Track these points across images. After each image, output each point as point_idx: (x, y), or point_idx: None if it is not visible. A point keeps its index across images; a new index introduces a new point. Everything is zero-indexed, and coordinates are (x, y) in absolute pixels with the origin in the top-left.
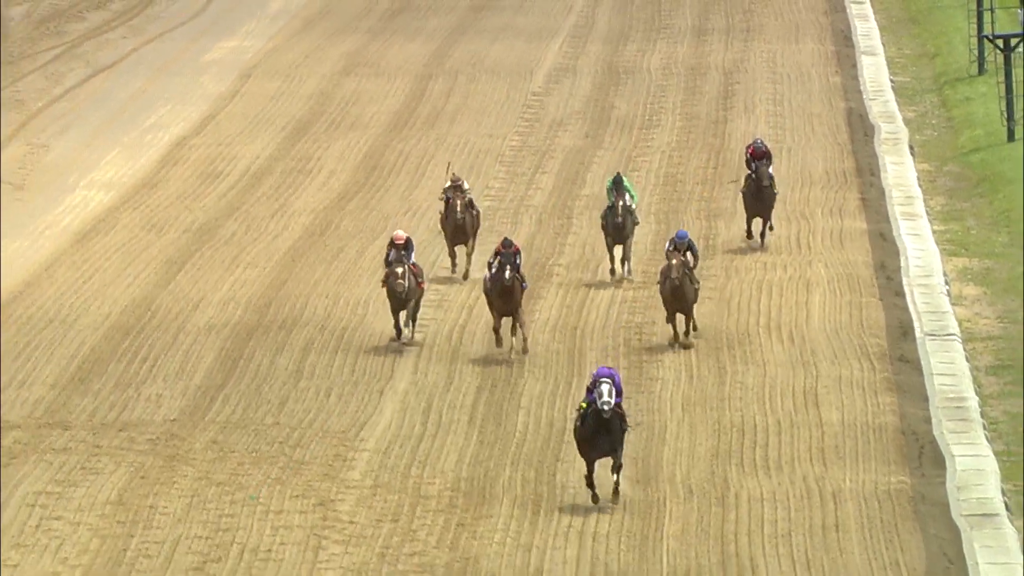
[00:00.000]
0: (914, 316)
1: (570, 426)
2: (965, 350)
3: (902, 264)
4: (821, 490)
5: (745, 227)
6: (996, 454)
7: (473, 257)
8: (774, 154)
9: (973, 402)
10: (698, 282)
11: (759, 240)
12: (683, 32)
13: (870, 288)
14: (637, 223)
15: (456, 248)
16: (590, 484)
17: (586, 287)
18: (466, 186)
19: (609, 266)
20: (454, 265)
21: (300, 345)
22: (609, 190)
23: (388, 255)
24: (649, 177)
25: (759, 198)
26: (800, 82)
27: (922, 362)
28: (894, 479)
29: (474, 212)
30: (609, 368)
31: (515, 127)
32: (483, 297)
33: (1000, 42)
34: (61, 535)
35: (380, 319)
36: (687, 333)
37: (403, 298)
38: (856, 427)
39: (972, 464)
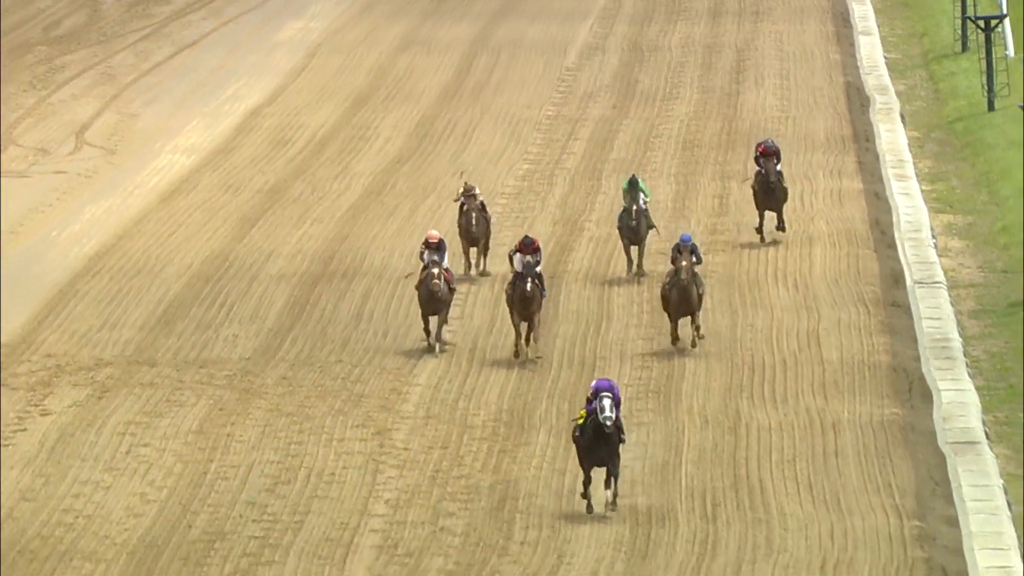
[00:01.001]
0: (905, 266)
1: (599, 364)
2: (950, 296)
3: (894, 220)
4: (822, 420)
5: (757, 224)
6: (977, 388)
7: (488, 256)
8: (781, 123)
9: (957, 342)
10: (703, 286)
11: (781, 227)
12: (700, 14)
13: (866, 241)
14: (652, 226)
15: (470, 248)
16: (585, 494)
17: (614, 240)
18: (477, 191)
19: (626, 264)
20: (468, 265)
21: (360, 292)
22: (625, 192)
23: (422, 253)
24: (669, 143)
25: (768, 195)
26: (804, 59)
27: (912, 307)
28: (887, 411)
29: (487, 217)
30: (608, 380)
31: (551, 98)
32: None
33: (981, 23)
34: (149, 460)
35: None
36: (693, 341)
37: (439, 300)
38: (853, 364)
39: (956, 397)
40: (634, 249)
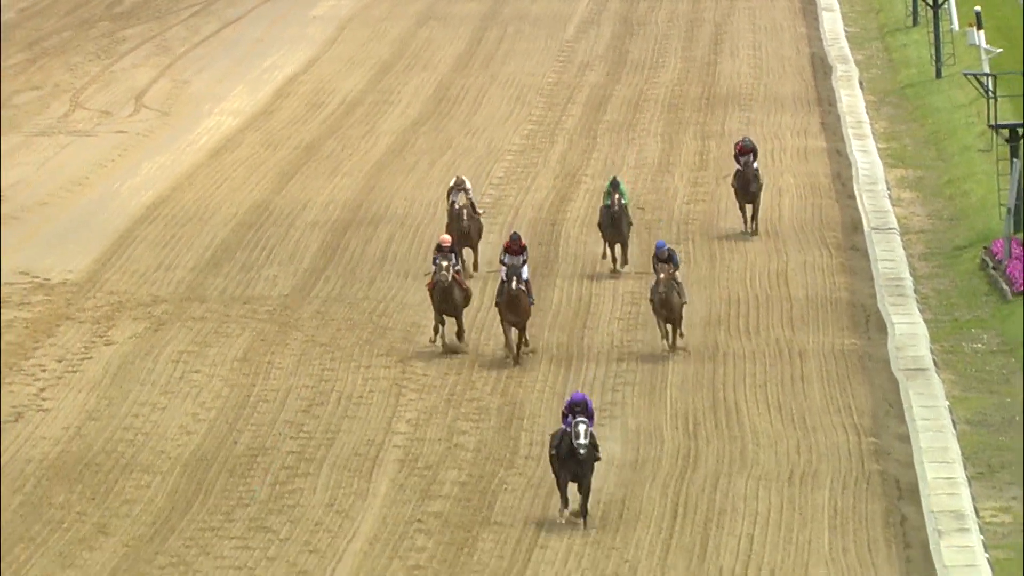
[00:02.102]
0: (862, 214)
1: (595, 300)
2: (902, 240)
3: (853, 174)
4: (790, 350)
5: (742, 217)
6: (926, 321)
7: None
8: (754, 89)
9: (908, 281)
10: (685, 295)
11: (751, 225)
12: None
13: (828, 192)
14: (631, 224)
15: (463, 250)
16: (564, 501)
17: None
18: (468, 185)
19: (610, 262)
20: (463, 264)
21: (384, 237)
22: (606, 192)
23: (435, 259)
24: (656, 106)
25: (747, 189)
26: (774, 32)
27: (868, 250)
28: (846, 341)
29: (477, 216)
30: (583, 393)
31: (551, 67)
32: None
33: (930, 1)
34: (199, 384)
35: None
36: (675, 341)
37: (450, 298)
38: (817, 301)
39: (907, 330)
40: (618, 248)
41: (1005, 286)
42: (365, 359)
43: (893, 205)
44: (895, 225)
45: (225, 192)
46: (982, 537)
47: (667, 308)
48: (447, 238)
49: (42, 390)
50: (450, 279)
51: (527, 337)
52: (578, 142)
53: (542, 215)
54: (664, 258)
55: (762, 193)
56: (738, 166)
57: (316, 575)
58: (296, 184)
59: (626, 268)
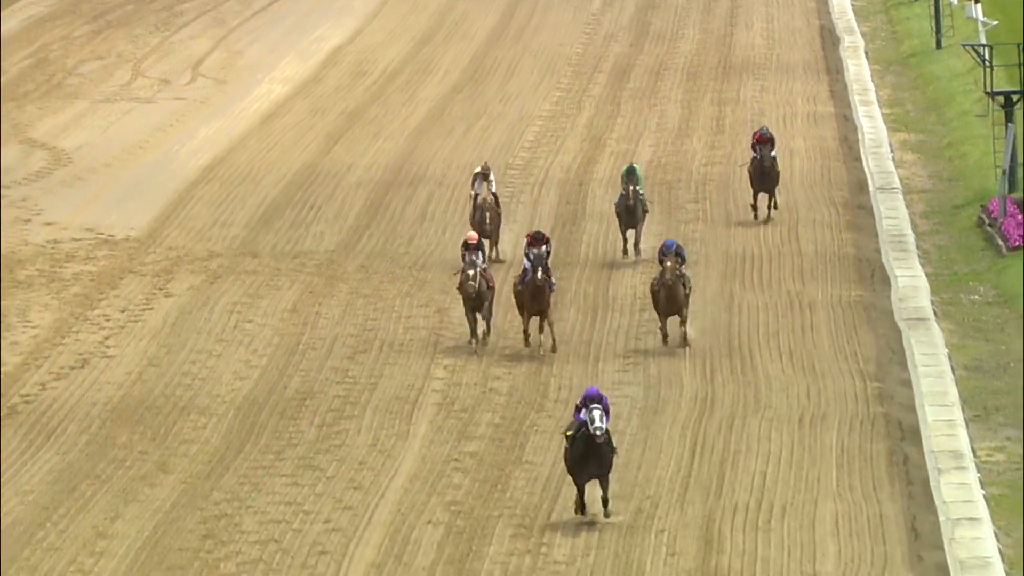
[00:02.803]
0: (868, 175)
1: (620, 256)
2: (905, 199)
3: (859, 137)
4: (800, 301)
5: (752, 202)
6: (927, 275)
7: (499, 247)
8: (767, 58)
9: (911, 237)
10: (690, 286)
11: (766, 213)
12: None
13: (836, 155)
14: (647, 211)
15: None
16: (580, 507)
17: (630, 155)
18: (492, 176)
19: (623, 248)
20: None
21: (424, 196)
22: (623, 177)
23: (463, 255)
24: (676, 75)
25: (763, 178)
26: (785, 6)
27: (873, 208)
28: (853, 293)
29: (499, 212)
30: (597, 388)
31: (579, 38)
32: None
33: None
34: (251, 333)
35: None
36: (683, 335)
37: (477, 300)
38: (825, 255)
39: (910, 282)
40: (631, 233)
41: (1000, 242)
42: (405, 310)
43: (896, 166)
44: (898, 185)
45: (276, 155)
46: (979, 475)
47: (672, 299)
48: (474, 235)
49: (106, 338)
50: (478, 284)
51: (550, 325)
52: (603, 108)
53: (570, 176)
54: (671, 252)
55: (778, 183)
56: (755, 155)
57: (360, 510)
58: (342, 147)
59: (640, 256)
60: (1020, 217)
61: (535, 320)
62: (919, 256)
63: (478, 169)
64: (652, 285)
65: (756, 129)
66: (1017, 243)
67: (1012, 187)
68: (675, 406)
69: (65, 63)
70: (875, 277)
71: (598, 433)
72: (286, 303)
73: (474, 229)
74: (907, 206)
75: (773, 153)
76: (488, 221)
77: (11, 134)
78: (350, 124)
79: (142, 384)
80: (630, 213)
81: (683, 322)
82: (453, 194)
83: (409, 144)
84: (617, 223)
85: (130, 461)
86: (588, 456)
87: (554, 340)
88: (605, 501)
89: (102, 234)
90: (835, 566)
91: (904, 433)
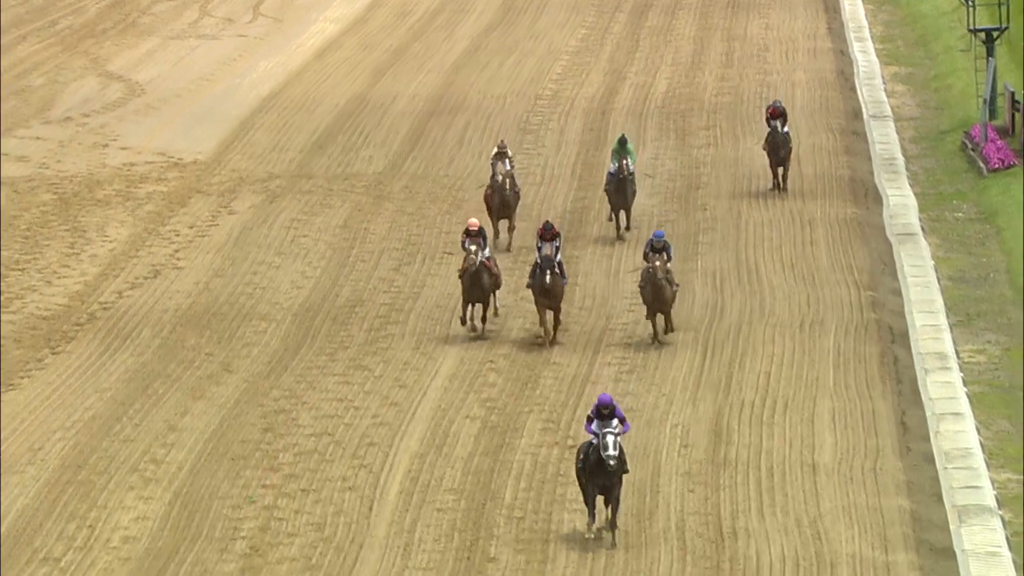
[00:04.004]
0: (862, 104)
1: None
2: (895, 126)
3: (855, 70)
4: (801, 218)
5: (771, 175)
6: (916, 194)
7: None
8: (772, 5)
9: (901, 160)
10: (676, 285)
11: (782, 184)
12: None
13: (834, 86)
14: (635, 191)
15: (500, 223)
16: (591, 517)
17: (648, 85)
18: (510, 153)
19: (615, 227)
20: (497, 234)
21: (461, 124)
22: (614, 152)
23: (463, 242)
24: (689, 13)
25: (777, 151)
26: None
27: (867, 134)
28: (848, 211)
29: (517, 191)
30: (609, 395)
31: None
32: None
33: None
34: (307, 247)
35: (514, 109)
36: (665, 331)
37: (479, 290)
38: (824, 177)
39: (900, 201)
40: (622, 214)
41: (981, 164)
42: (446, 225)
43: (888, 96)
44: (889, 113)
45: (329, 86)
46: (962, 374)
47: (659, 298)
48: (475, 222)
49: (176, 251)
50: (479, 264)
51: (556, 319)
52: (623, 44)
53: (593, 105)
54: (659, 248)
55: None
56: (769, 129)
57: (405, 406)
58: (387, 80)
59: (629, 234)
60: (999, 142)
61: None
62: (908, 177)
63: (495, 149)
64: (639, 284)
65: (770, 104)
66: (996, 165)
67: (992, 115)
68: (687, 313)
69: (139, 3)
70: (868, 196)
71: (611, 463)
72: (338, 220)
73: (489, 206)
74: (897, 132)
75: (786, 128)
76: (508, 197)
77: (90, 68)
78: (395, 59)
79: (208, 293)
80: (620, 192)
81: (669, 322)
82: (488, 122)
83: (448, 77)
84: (607, 201)
85: (198, 362)
86: (597, 473)
87: (555, 333)
88: (613, 523)
89: (172, 158)
90: (832, 456)
91: (894, 337)
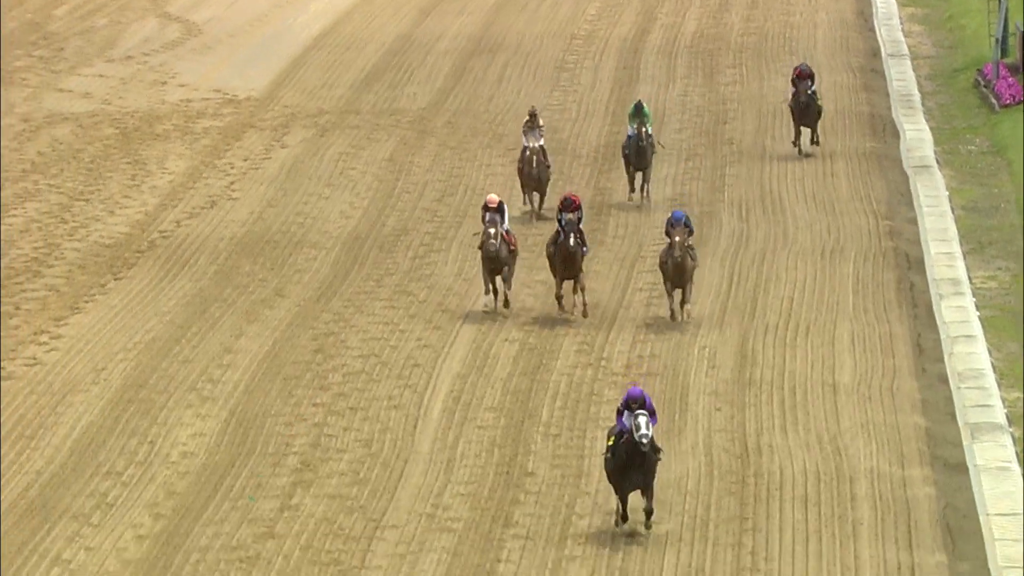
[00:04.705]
0: (881, 43)
1: (668, 108)
2: (912, 64)
3: (873, 11)
4: (823, 151)
5: (793, 138)
6: (931, 129)
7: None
8: None
9: (917, 97)
10: (697, 259)
11: (807, 146)
12: None
13: (853, 27)
14: (655, 152)
15: (530, 195)
16: (623, 517)
17: (679, 25)
18: (541, 122)
19: (629, 190)
20: (529, 203)
21: (501, 62)
22: (631, 116)
23: (484, 217)
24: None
25: (804, 112)
26: None
27: (885, 72)
28: (867, 144)
29: (548, 164)
30: (640, 388)
31: None
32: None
33: None
34: (355, 179)
35: (551, 48)
36: (682, 305)
37: (498, 261)
38: (844, 113)
39: (916, 135)
40: (639, 176)
41: (993, 100)
42: (486, 159)
43: (905, 36)
44: (906, 52)
45: (376, 26)
46: (974, 299)
47: (680, 273)
48: (494, 198)
49: (232, 183)
50: (499, 245)
51: (583, 289)
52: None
53: (626, 44)
54: (679, 225)
55: (820, 118)
56: (795, 89)
57: (447, 329)
58: (432, 20)
59: (649, 202)
60: (1010, 79)
61: (568, 284)
62: (924, 113)
63: (527, 115)
64: (660, 257)
65: (796, 65)
66: (1008, 101)
67: (1004, 53)
68: (715, 241)
69: None
70: (886, 131)
71: (644, 441)
72: (384, 153)
73: (522, 180)
74: (914, 70)
75: (813, 88)
76: (536, 171)
77: (150, 9)
78: (436, 2)
79: (262, 222)
80: (640, 155)
81: (687, 295)
82: (526, 61)
83: (488, 17)
84: (624, 165)
85: (252, 287)
86: (631, 465)
87: (585, 305)
88: (648, 512)
89: (228, 94)
90: (851, 377)
91: (910, 264)
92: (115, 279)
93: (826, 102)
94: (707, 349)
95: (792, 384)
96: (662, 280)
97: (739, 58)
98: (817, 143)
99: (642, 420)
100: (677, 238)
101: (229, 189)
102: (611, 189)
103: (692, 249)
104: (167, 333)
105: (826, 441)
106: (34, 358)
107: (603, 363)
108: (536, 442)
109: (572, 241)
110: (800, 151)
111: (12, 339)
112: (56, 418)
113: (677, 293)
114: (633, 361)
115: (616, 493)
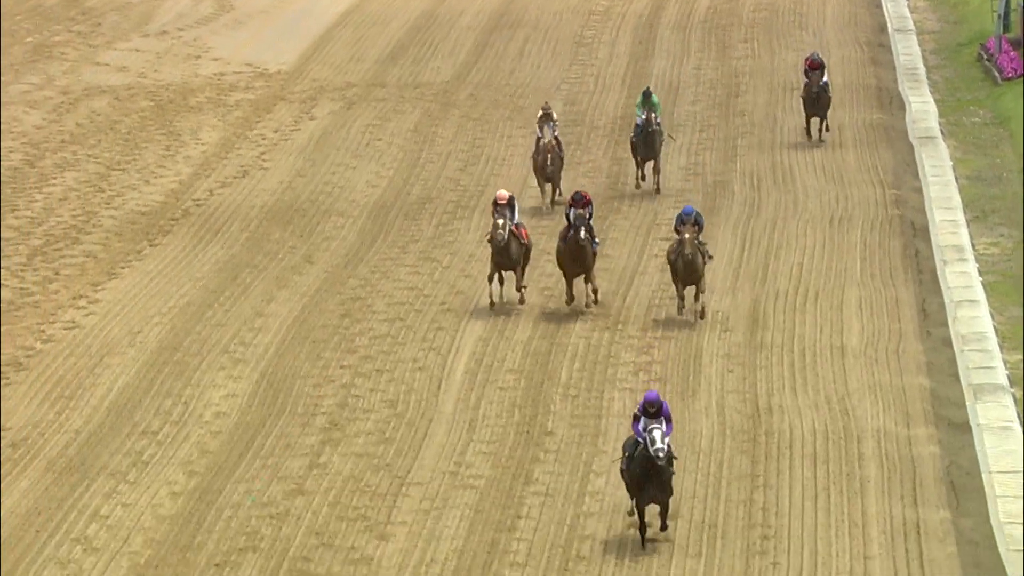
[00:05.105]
0: (888, 19)
1: (683, 82)
2: (918, 39)
3: None
4: (831, 122)
5: (805, 126)
6: (936, 101)
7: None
8: None
9: (922, 70)
10: (708, 255)
11: (817, 136)
12: None
13: (861, 3)
14: (663, 141)
15: (545, 185)
16: (642, 529)
17: (686, 21)
18: (555, 116)
19: (636, 178)
20: (544, 194)
21: (521, 37)
22: (639, 105)
23: (494, 213)
24: None
25: (814, 102)
26: None
27: (892, 47)
28: (874, 116)
29: (561, 155)
30: (656, 392)
31: None
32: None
33: None
34: (381, 149)
35: (569, 24)
36: (699, 307)
37: (507, 253)
38: (851, 86)
39: (921, 107)
40: (648, 164)
41: (996, 74)
42: (507, 130)
43: (911, 12)
44: (912, 27)
45: (400, 3)
46: (977, 265)
47: (691, 271)
48: (504, 194)
49: (263, 153)
50: (507, 236)
51: (593, 285)
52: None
53: (642, 20)
54: (690, 223)
55: (829, 107)
56: (806, 80)
57: (470, 294)
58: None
59: (660, 192)
60: (1012, 53)
61: (578, 282)
62: (929, 86)
63: (540, 111)
64: (668, 254)
65: (807, 55)
66: (1010, 75)
67: (1006, 28)
68: (728, 210)
69: None
70: (892, 103)
71: (660, 455)
72: (409, 125)
73: (536, 171)
74: (919, 45)
75: (824, 79)
76: (550, 163)
77: None
78: None
79: (292, 191)
80: (648, 144)
81: (700, 293)
82: (546, 36)
83: None
84: (632, 154)
85: (282, 254)
86: (647, 477)
87: (596, 298)
88: (663, 527)
89: (259, 68)
90: (859, 340)
91: (916, 231)
92: (150, 246)
93: (835, 75)
94: (720, 313)
95: (802, 347)
96: (671, 278)
97: (751, 33)
98: (827, 129)
99: (657, 434)
100: (687, 235)
101: (260, 159)
102: (627, 159)
103: (703, 245)
104: (200, 298)
105: (834, 401)
106: (73, 322)
107: (619, 326)
108: (555, 402)
109: (583, 234)
110: (810, 138)
111: (52, 303)
112: (94, 379)
113: (689, 290)
114: (648, 330)
115: (634, 505)
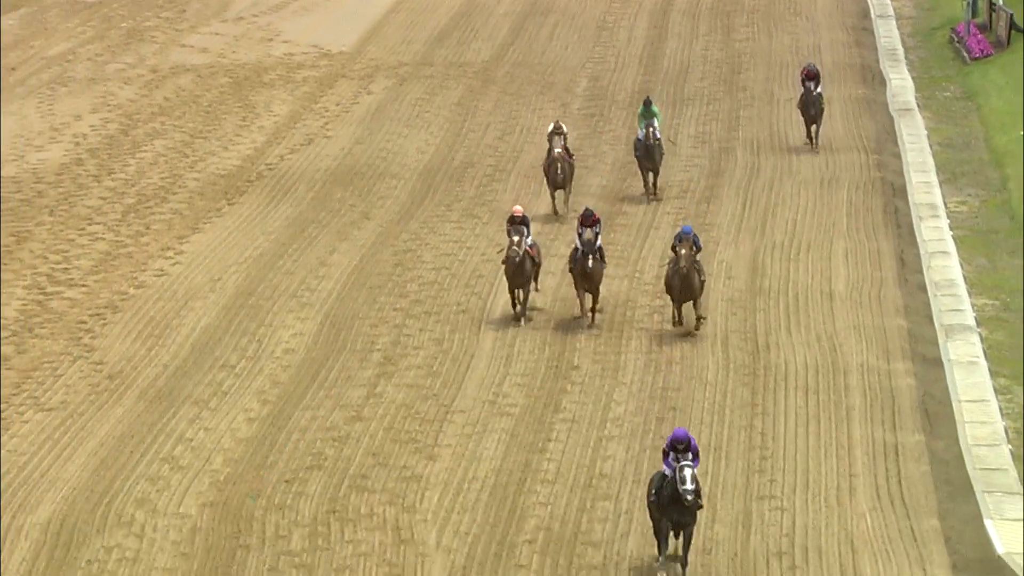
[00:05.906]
0: (870, 6)
1: (692, 62)
2: (897, 24)
3: None
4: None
5: (805, 132)
6: (913, 78)
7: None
8: None
9: (901, 51)
10: (704, 273)
11: (813, 142)
12: None
13: None
14: (663, 154)
15: (555, 193)
16: (660, 555)
17: (695, 7)
18: (565, 130)
19: (644, 189)
20: (555, 211)
21: (552, 22)
22: (640, 115)
23: (508, 231)
24: None
25: (808, 111)
26: None
27: (874, 31)
28: (857, 91)
29: (572, 164)
30: (685, 430)
31: None
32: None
33: None
34: (428, 120)
35: (593, 10)
36: (697, 321)
37: (521, 272)
38: (837, 64)
39: (899, 83)
40: (651, 175)
41: (965, 54)
42: (538, 104)
43: (890, 0)
44: (892, 13)
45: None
46: (948, 221)
47: (688, 287)
48: (519, 209)
49: (326, 124)
50: (522, 254)
51: (595, 302)
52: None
53: (657, 7)
54: (688, 240)
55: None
56: (803, 90)
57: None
58: None
59: (658, 198)
60: (979, 36)
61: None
62: (906, 64)
63: (551, 128)
64: (667, 272)
65: (804, 65)
66: (977, 55)
67: (974, 14)
68: (731, 173)
69: None
70: (874, 80)
71: (688, 498)
72: (453, 99)
73: (548, 179)
74: (898, 28)
75: (819, 89)
76: (560, 171)
77: None
78: None
79: (351, 157)
80: (649, 156)
81: (697, 307)
82: (572, 21)
83: None
84: (637, 166)
85: (343, 211)
86: (672, 508)
87: (593, 316)
88: (685, 560)
89: (323, 49)
90: (845, 286)
91: (895, 191)
92: (229, 204)
93: (824, 55)
94: (724, 263)
95: (795, 292)
96: (668, 296)
97: (751, 18)
98: (817, 142)
99: (687, 473)
100: (684, 251)
101: (324, 129)
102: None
103: (699, 264)
104: (272, 249)
105: (824, 340)
106: (161, 270)
107: (637, 275)
108: (580, 341)
109: (591, 263)
110: (810, 144)
111: (143, 254)
112: (180, 320)
113: (686, 307)
114: (661, 273)
115: (657, 535)
